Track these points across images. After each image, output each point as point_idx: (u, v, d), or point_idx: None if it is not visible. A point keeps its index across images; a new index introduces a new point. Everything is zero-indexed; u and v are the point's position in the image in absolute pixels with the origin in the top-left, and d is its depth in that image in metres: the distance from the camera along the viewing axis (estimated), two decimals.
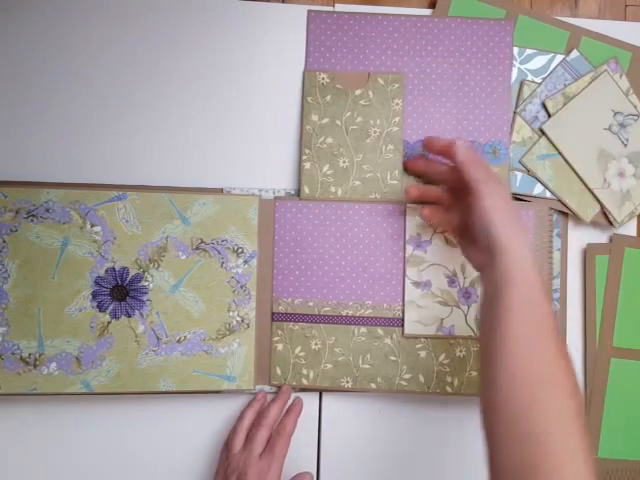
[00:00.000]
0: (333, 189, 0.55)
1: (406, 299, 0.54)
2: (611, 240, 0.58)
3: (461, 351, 0.54)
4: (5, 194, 0.52)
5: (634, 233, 0.58)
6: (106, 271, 0.52)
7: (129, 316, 0.52)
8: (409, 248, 0.54)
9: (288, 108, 0.57)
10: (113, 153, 0.56)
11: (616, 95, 0.57)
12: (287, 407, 0.54)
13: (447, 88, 0.56)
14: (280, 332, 0.54)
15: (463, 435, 0.55)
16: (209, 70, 0.57)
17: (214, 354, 0.53)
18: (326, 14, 0.57)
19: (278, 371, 0.54)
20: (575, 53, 0.57)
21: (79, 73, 0.56)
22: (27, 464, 0.53)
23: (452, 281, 0.54)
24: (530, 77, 0.57)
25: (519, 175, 0.56)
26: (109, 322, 0.52)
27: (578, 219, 0.57)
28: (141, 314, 0.52)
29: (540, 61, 0.57)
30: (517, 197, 0.56)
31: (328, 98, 0.55)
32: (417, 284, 0.54)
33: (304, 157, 0.55)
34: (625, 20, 0.61)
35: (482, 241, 0.46)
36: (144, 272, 0.53)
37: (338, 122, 0.55)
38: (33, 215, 0.52)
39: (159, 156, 0.56)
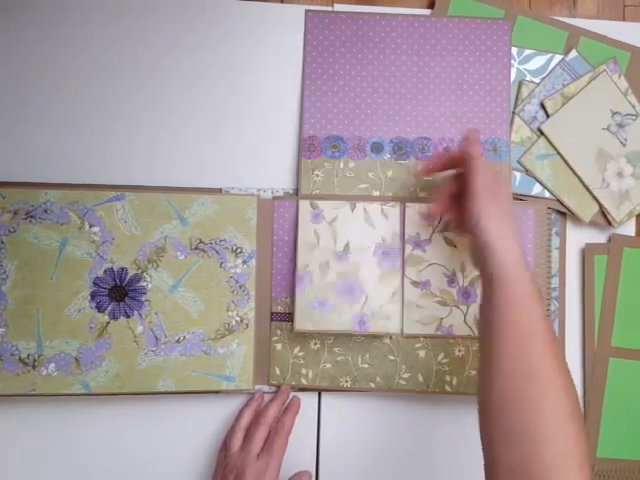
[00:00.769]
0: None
1: (405, 298, 0.54)
2: (610, 240, 0.58)
3: (460, 350, 0.54)
4: (3, 195, 0.52)
5: (633, 233, 0.58)
6: (105, 272, 0.52)
7: (128, 316, 0.52)
8: (408, 247, 0.54)
9: (287, 108, 0.57)
10: (111, 153, 0.56)
11: (615, 95, 0.57)
12: (285, 406, 0.54)
13: (446, 87, 0.56)
14: (279, 332, 0.54)
15: (462, 434, 0.55)
16: (208, 70, 0.57)
17: (213, 354, 0.53)
18: (324, 14, 0.57)
19: (277, 371, 0.54)
20: (574, 53, 0.57)
21: (79, 73, 0.56)
22: (27, 464, 0.53)
23: (451, 281, 0.54)
24: (529, 77, 0.57)
25: (518, 175, 0.56)
26: (108, 323, 0.52)
27: (577, 219, 0.57)
28: (140, 314, 0.52)
29: (539, 61, 0.57)
30: (516, 197, 0.56)
31: None
32: (416, 284, 0.54)
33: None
34: (624, 20, 0.61)
35: (472, 228, 0.46)
36: (143, 272, 0.53)
37: None
38: (31, 216, 0.52)
39: (158, 156, 0.56)
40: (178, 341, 0.52)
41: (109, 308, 0.52)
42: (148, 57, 0.57)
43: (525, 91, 0.57)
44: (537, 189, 0.56)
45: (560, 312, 0.56)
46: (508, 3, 0.58)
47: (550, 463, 0.35)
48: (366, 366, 0.54)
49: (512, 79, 0.57)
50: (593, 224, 0.57)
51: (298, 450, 0.54)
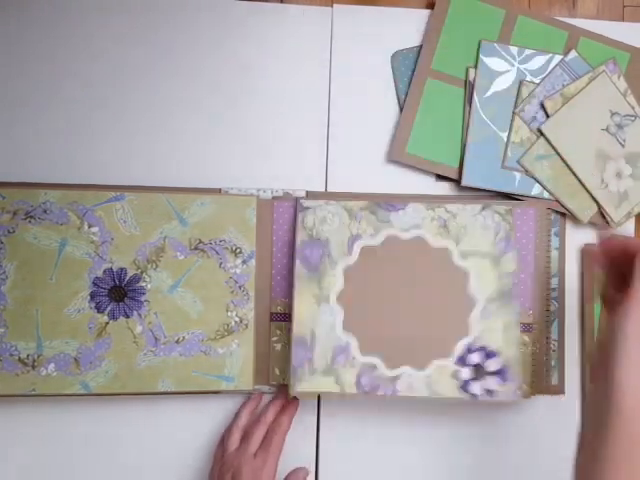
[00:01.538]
0: None
1: None
2: None
3: None
4: (3, 195, 0.52)
5: (632, 233, 0.58)
6: (104, 272, 0.52)
7: (127, 317, 0.52)
8: None
9: (286, 108, 0.57)
10: (111, 153, 0.56)
11: (614, 96, 0.57)
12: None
13: None
14: (279, 332, 0.54)
15: (462, 435, 0.55)
16: (208, 70, 0.57)
17: (212, 354, 0.53)
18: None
19: (277, 371, 0.54)
20: (573, 54, 0.57)
21: (79, 73, 0.56)
22: (27, 464, 0.53)
23: None
24: (529, 77, 0.57)
25: (517, 175, 0.56)
26: (107, 323, 0.52)
27: (576, 219, 0.57)
28: (139, 315, 0.52)
29: (539, 61, 0.57)
30: (515, 197, 0.56)
31: None
32: None
33: None
34: (623, 20, 0.61)
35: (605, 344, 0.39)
36: (142, 273, 0.53)
37: None
38: (31, 216, 0.52)
39: (157, 156, 0.56)
40: (177, 341, 0.52)
41: (108, 308, 0.52)
42: (148, 57, 0.57)
43: (525, 91, 0.57)
44: (537, 189, 0.56)
45: (560, 312, 0.56)
46: (508, 3, 0.58)
47: None
48: None
49: (512, 79, 0.57)
50: (592, 225, 0.57)
51: (298, 451, 0.54)
